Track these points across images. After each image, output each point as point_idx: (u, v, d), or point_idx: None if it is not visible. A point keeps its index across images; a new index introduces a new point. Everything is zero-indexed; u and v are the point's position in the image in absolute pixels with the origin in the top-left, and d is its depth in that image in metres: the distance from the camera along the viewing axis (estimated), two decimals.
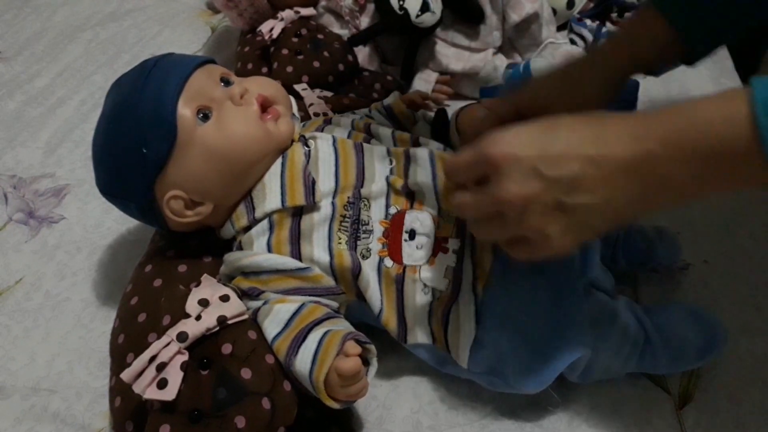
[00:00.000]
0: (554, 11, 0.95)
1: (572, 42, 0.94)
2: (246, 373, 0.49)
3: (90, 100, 0.95)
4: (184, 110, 0.53)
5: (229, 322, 0.51)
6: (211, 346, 0.49)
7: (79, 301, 0.67)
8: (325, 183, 0.55)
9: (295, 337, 0.50)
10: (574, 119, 0.41)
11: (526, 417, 0.55)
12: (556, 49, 0.90)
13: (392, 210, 0.55)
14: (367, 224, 0.54)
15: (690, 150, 0.36)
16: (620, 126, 0.39)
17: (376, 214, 0.55)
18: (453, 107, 0.76)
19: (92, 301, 0.67)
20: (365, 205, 0.55)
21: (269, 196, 0.54)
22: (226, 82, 0.57)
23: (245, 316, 0.52)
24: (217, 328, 0.50)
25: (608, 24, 0.96)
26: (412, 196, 0.56)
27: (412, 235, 0.54)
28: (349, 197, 0.55)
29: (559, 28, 0.97)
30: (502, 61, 0.89)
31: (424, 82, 0.88)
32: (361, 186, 0.56)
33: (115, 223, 0.75)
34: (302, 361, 0.49)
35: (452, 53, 0.88)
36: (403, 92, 0.85)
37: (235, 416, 0.47)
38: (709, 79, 0.91)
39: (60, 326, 0.65)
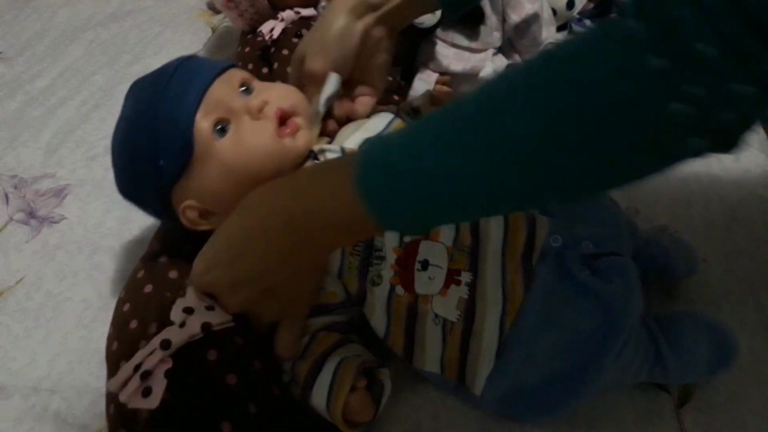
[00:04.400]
0: (554, 12, 0.95)
1: None
2: (231, 379, 0.49)
3: (91, 100, 0.96)
4: (202, 123, 0.53)
5: (215, 328, 0.51)
6: (197, 353, 0.49)
7: (79, 301, 0.67)
8: None
9: (309, 369, 0.51)
10: (224, 236, 0.49)
11: None
12: None
13: (407, 238, 0.54)
14: (381, 250, 0.53)
15: (314, 231, 0.45)
16: (267, 231, 0.47)
17: (389, 241, 0.54)
18: None
19: (93, 301, 0.67)
20: None
21: None
22: (247, 89, 0.56)
23: (231, 324, 0.52)
24: (202, 335, 0.50)
25: None
26: None
27: (425, 265, 0.53)
28: None
29: (559, 29, 0.97)
30: (502, 62, 0.89)
31: (424, 82, 0.88)
32: None
33: (115, 223, 0.75)
34: (318, 395, 0.49)
35: (452, 54, 0.88)
36: (403, 93, 0.86)
37: (221, 422, 0.47)
38: None
39: (61, 326, 0.65)
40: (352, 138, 0.60)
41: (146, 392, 0.47)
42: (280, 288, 0.49)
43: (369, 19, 0.61)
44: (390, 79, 0.86)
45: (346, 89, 0.63)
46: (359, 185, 0.40)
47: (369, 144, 0.42)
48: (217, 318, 0.51)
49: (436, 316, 0.52)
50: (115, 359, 0.53)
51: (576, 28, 0.96)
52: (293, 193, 0.47)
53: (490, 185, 0.38)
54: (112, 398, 0.51)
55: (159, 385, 0.47)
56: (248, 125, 0.54)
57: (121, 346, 0.53)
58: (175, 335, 0.49)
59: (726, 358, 0.54)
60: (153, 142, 0.53)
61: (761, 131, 0.82)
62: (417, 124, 0.41)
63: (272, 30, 0.87)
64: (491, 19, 0.87)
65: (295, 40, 0.86)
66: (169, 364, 0.48)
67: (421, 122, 0.41)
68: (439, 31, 0.87)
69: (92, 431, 0.56)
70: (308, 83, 0.61)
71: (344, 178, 0.41)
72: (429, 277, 0.53)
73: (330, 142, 0.60)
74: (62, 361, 0.62)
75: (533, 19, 0.89)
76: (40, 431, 0.57)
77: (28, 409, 0.58)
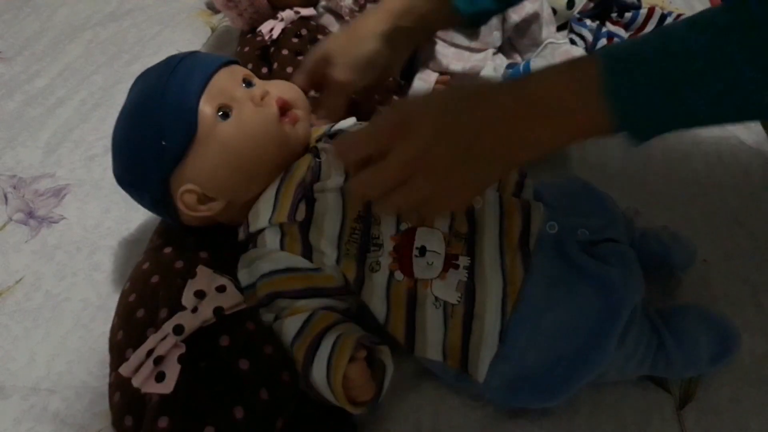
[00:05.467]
0: (554, 11, 0.95)
1: (572, 42, 0.94)
2: (243, 364, 0.49)
3: (90, 99, 0.95)
4: (206, 107, 0.54)
5: (227, 313, 0.51)
6: (209, 338, 0.50)
7: (78, 301, 0.67)
8: (334, 196, 0.55)
9: (308, 345, 0.50)
10: (462, 88, 0.50)
11: (526, 416, 0.55)
12: (556, 49, 0.90)
13: (403, 226, 0.54)
14: (377, 238, 0.54)
15: (548, 119, 0.46)
16: (497, 94, 0.48)
17: (386, 230, 0.54)
18: None
19: (92, 301, 0.67)
20: (375, 219, 0.55)
21: (261, 213, 0.55)
22: (248, 84, 0.58)
23: (243, 306, 0.52)
24: (214, 320, 0.50)
25: (608, 24, 0.96)
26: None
27: (423, 251, 0.54)
28: (360, 212, 0.55)
29: (559, 28, 0.97)
30: (502, 61, 0.89)
31: (424, 82, 0.87)
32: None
33: (115, 223, 0.75)
34: (318, 369, 0.49)
35: (452, 53, 0.87)
36: (403, 93, 0.85)
37: (233, 407, 0.47)
38: None
39: (60, 326, 0.65)
40: None
41: (159, 377, 0.47)
42: (476, 157, 0.47)
43: (399, 43, 0.67)
44: (390, 78, 0.86)
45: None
46: (605, 80, 0.43)
47: (609, 49, 0.45)
48: (229, 300, 0.52)
49: (437, 299, 0.53)
50: (120, 348, 0.53)
51: (576, 27, 0.96)
52: (513, 90, 0.48)
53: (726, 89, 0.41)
54: (117, 386, 0.51)
55: (172, 371, 0.47)
56: (251, 111, 0.55)
57: (128, 334, 0.53)
58: (188, 320, 0.49)
59: (728, 350, 0.55)
60: (156, 124, 0.54)
61: (761, 131, 0.83)
62: (651, 38, 0.45)
63: (272, 30, 0.87)
64: (491, 18, 0.87)
65: (294, 40, 0.86)
66: (182, 350, 0.48)
67: (655, 36, 0.45)
68: (438, 31, 0.87)
69: (92, 431, 0.56)
70: (330, 88, 0.66)
71: (585, 71, 0.44)
72: (427, 263, 0.53)
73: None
74: (61, 361, 0.62)
75: (533, 18, 0.89)
76: (40, 431, 0.57)
77: (27, 410, 0.58)
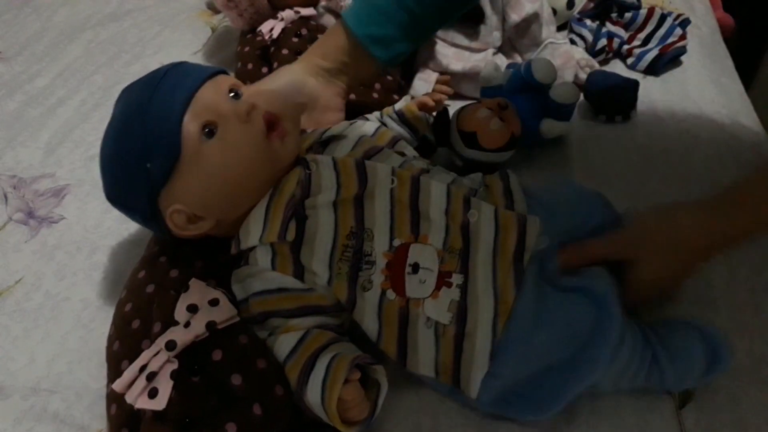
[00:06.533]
0: (554, 11, 0.95)
1: (572, 42, 0.94)
2: (236, 379, 0.49)
3: (90, 100, 0.95)
4: (190, 126, 0.52)
5: (219, 327, 0.51)
6: (202, 352, 0.50)
7: (78, 302, 0.67)
8: (326, 212, 0.55)
9: (302, 367, 0.50)
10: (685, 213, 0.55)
11: None
12: (556, 50, 0.90)
13: (396, 242, 0.54)
14: (370, 255, 0.54)
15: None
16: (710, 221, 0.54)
17: (379, 246, 0.54)
18: (453, 107, 0.76)
19: (92, 301, 0.67)
20: (368, 235, 0.54)
21: (252, 231, 0.54)
22: (236, 94, 0.56)
23: (236, 320, 0.52)
24: (207, 335, 0.50)
25: (608, 24, 0.96)
26: (417, 228, 0.55)
27: (416, 268, 0.53)
28: (352, 227, 0.54)
29: (559, 28, 0.97)
30: (502, 61, 0.89)
31: (424, 82, 0.88)
32: (363, 213, 0.55)
33: (115, 223, 0.75)
34: (313, 391, 0.49)
35: (452, 53, 0.88)
36: (403, 92, 0.86)
37: (226, 422, 0.47)
38: (708, 79, 0.91)
39: (60, 326, 0.65)
40: (340, 147, 0.61)
41: (152, 393, 0.47)
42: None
43: (322, 77, 0.69)
44: (390, 78, 0.86)
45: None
46: None
47: None
48: (222, 314, 0.51)
49: (428, 319, 0.53)
50: (116, 359, 0.53)
51: (576, 27, 0.96)
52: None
53: None
54: (114, 398, 0.51)
55: (165, 386, 0.47)
56: (236, 128, 0.53)
57: (123, 346, 0.53)
58: (180, 336, 0.49)
59: (720, 361, 0.54)
60: (140, 146, 0.52)
61: (761, 132, 0.82)
62: None
63: (272, 29, 0.87)
64: (491, 18, 0.87)
65: (294, 39, 0.86)
66: (174, 365, 0.48)
67: None
68: (439, 31, 0.87)
69: (91, 431, 0.57)
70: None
71: None
72: (420, 280, 0.53)
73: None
74: (61, 361, 0.62)
75: (533, 18, 0.89)
76: (40, 431, 0.57)
77: (27, 410, 0.58)
